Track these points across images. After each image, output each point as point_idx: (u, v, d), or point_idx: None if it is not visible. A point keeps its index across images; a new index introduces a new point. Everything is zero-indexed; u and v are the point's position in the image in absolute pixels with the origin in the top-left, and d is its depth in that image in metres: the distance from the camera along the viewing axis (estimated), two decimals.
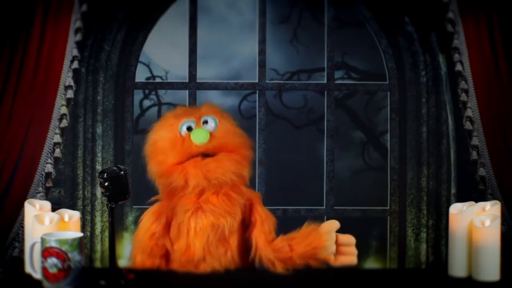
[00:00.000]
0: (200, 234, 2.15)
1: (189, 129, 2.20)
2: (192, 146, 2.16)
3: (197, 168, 2.14)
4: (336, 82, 3.83)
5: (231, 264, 2.20)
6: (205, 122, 2.22)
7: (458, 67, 3.01)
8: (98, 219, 3.62)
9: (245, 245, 2.27)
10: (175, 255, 2.20)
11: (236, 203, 2.21)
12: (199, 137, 2.17)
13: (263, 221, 2.25)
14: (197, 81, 3.80)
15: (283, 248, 2.19)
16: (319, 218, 3.65)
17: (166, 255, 2.24)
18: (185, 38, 3.80)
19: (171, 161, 2.16)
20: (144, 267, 2.22)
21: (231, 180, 2.17)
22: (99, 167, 3.59)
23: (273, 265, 2.18)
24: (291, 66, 3.91)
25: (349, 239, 2.20)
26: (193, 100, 3.75)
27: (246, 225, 2.26)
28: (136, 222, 3.71)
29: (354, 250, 2.20)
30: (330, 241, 2.16)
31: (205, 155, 2.18)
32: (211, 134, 2.18)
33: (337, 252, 2.18)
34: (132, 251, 2.29)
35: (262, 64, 3.81)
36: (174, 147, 2.18)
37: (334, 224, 2.19)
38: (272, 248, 2.20)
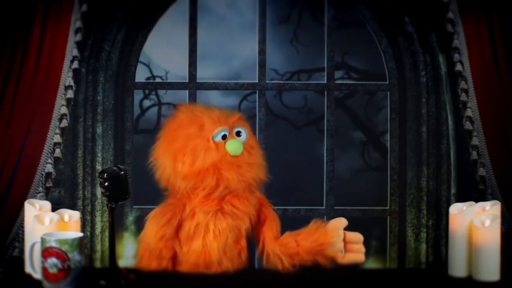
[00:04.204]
0: (219, 236, 2.16)
1: (224, 137, 2.21)
2: (227, 155, 2.19)
3: (232, 170, 2.17)
4: (336, 82, 3.83)
5: (242, 265, 2.22)
6: (238, 133, 2.24)
7: (458, 67, 3.01)
8: (98, 219, 3.62)
9: (250, 246, 2.29)
10: (185, 257, 2.19)
11: (253, 205, 2.24)
12: (235, 148, 2.20)
13: (271, 219, 2.29)
14: (197, 81, 3.80)
15: (290, 243, 2.22)
16: (319, 218, 3.65)
17: (173, 257, 2.23)
18: (185, 38, 3.80)
19: (200, 165, 2.16)
20: (149, 269, 2.21)
21: (255, 183, 2.24)
22: (99, 167, 3.59)
23: (280, 261, 2.19)
24: (291, 66, 3.91)
25: (357, 237, 2.21)
26: (193, 100, 3.75)
27: (254, 225, 2.29)
28: (136, 222, 3.73)
29: (362, 248, 2.21)
30: (337, 238, 2.18)
31: None
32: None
33: (345, 250, 2.19)
34: (138, 252, 2.28)
35: (262, 64, 3.81)
36: (208, 152, 2.18)
37: (342, 221, 2.20)
38: (279, 243, 2.23)
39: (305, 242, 2.20)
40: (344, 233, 2.19)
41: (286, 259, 2.19)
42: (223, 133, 2.21)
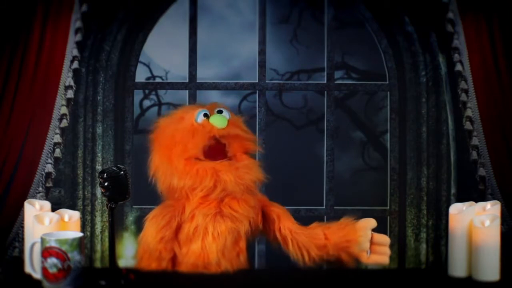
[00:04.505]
0: (218, 238, 2.16)
1: (206, 116, 2.23)
2: (214, 129, 2.20)
3: (230, 173, 2.17)
4: (336, 82, 3.83)
5: (241, 266, 2.22)
6: (219, 111, 2.26)
7: (458, 67, 3.01)
8: (98, 219, 3.62)
9: (250, 247, 2.29)
10: (184, 258, 2.19)
11: (253, 208, 2.24)
12: (220, 121, 2.21)
13: (287, 215, 2.32)
14: (197, 81, 3.80)
15: (319, 234, 2.24)
16: (319, 218, 3.65)
17: (172, 258, 2.23)
18: (185, 38, 3.80)
19: (193, 148, 2.18)
20: (149, 269, 2.21)
21: (254, 185, 2.23)
22: (99, 167, 3.59)
23: (307, 252, 2.21)
24: (291, 66, 3.91)
25: (383, 239, 2.23)
26: (193, 100, 3.75)
27: (254, 227, 2.28)
28: (136, 222, 3.73)
29: (387, 251, 2.23)
30: (364, 238, 2.20)
31: (221, 145, 2.23)
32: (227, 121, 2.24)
33: (371, 251, 2.20)
34: (138, 253, 2.28)
35: (262, 64, 3.81)
36: (196, 132, 2.20)
37: (371, 222, 2.23)
38: (308, 232, 2.25)
39: (333, 236, 2.23)
40: (372, 234, 2.21)
41: (314, 250, 2.21)
42: (203, 112, 2.24)
